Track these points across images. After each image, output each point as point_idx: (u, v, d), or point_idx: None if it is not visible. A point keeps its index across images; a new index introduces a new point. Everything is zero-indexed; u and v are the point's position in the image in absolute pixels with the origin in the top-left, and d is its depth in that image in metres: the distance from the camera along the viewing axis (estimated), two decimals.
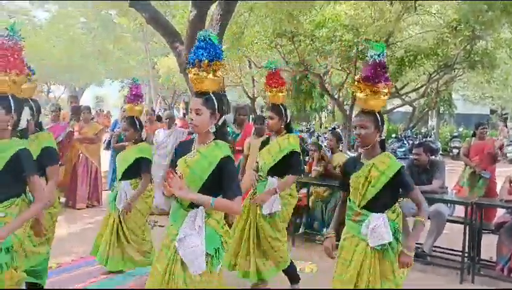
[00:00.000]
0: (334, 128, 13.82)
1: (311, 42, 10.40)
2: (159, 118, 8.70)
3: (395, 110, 15.18)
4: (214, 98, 2.40)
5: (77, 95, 17.44)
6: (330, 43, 10.21)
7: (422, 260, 5.03)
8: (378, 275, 2.63)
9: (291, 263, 4.03)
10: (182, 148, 2.53)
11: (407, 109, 19.69)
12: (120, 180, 4.17)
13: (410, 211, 5.26)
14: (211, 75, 2.38)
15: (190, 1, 7.06)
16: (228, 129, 6.19)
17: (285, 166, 3.86)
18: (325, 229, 6.01)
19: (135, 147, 4.19)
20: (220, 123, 2.45)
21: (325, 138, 11.33)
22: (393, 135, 14.74)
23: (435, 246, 5.32)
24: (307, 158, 7.33)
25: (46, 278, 3.47)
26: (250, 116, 11.15)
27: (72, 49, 21.33)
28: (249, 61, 14.93)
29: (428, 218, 5.19)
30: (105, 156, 8.52)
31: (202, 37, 2.41)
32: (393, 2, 8.85)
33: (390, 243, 2.64)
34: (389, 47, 10.54)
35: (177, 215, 2.43)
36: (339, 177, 6.00)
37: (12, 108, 2.44)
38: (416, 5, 9.02)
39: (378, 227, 2.62)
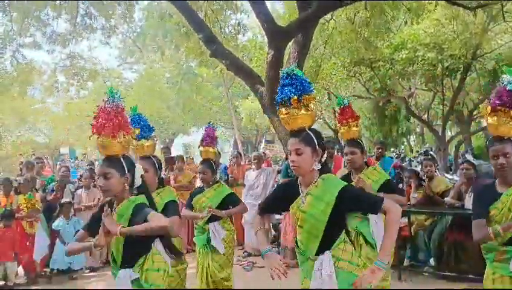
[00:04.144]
0: (427, 151, 13.10)
1: (391, 66, 10.16)
2: None
3: None
4: (311, 133, 2.28)
5: (168, 145, 18.45)
6: (412, 65, 9.89)
7: None
8: None
9: None
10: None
11: None
12: (208, 223, 4.12)
13: None
14: (303, 111, 2.26)
15: (267, 41, 7.27)
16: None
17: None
18: (431, 260, 5.60)
19: (217, 187, 4.22)
20: (323, 159, 2.30)
21: (418, 162, 10.74)
22: None
23: None
24: (400, 185, 6.98)
25: None
26: (336, 148, 10.98)
27: (160, 103, 22.82)
28: (328, 94, 14.88)
29: None
30: None
31: (286, 74, 2.32)
32: (476, 12, 8.37)
33: None
34: (478, 60, 9.95)
35: (305, 268, 2.30)
36: (441, 202, 5.66)
37: (126, 169, 2.46)
38: (504, 11, 8.42)
39: None
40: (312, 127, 2.36)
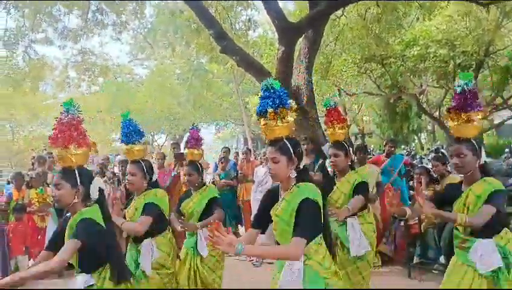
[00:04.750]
0: (437, 149, 13.00)
1: (402, 63, 10.09)
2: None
3: (505, 123, 13.94)
4: (288, 143, 2.40)
5: (178, 141, 18.53)
6: (423, 61, 9.81)
7: None
8: None
9: None
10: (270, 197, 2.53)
11: None
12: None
13: None
14: (279, 122, 2.40)
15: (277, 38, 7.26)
16: (327, 161, 6.12)
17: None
18: (441, 257, 5.57)
19: (203, 191, 4.06)
20: (300, 167, 2.43)
21: (428, 159, 10.67)
22: (507, 150, 13.44)
23: None
24: (410, 183, 6.95)
25: None
26: None
27: (170, 99, 22.91)
28: (338, 90, 14.82)
29: None
30: None
31: (265, 87, 2.46)
32: (489, 8, 8.27)
33: (500, 269, 2.55)
34: (490, 56, 9.85)
35: (280, 263, 2.39)
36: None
37: (78, 181, 2.50)
38: None
39: (486, 253, 2.56)
40: (290, 136, 2.46)
